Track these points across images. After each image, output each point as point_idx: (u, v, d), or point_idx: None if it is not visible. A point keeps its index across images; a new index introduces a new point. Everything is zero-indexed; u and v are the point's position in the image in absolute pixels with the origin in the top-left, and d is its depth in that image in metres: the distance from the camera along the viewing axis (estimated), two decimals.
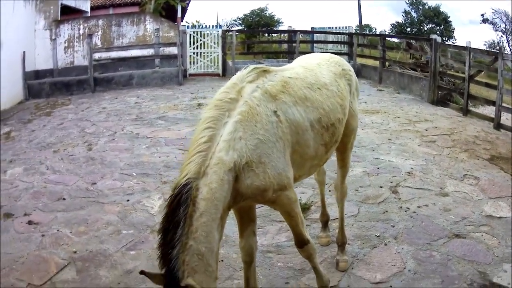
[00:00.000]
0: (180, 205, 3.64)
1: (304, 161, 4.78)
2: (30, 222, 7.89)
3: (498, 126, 14.66)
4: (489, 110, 17.14)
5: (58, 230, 7.55)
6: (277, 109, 4.38)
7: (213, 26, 26.54)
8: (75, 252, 6.82)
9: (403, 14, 62.35)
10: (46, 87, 22.10)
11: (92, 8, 34.53)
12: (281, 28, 50.96)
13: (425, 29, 59.42)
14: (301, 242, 4.89)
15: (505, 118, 15.18)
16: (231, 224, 6.92)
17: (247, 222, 4.98)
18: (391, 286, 5.90)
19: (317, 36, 33.34)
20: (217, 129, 4.00)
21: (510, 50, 52.93)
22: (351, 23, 56.26)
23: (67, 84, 22.15)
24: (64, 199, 8.94)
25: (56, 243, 7.14)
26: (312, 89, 4.89)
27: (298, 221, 4.72)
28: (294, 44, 26.67)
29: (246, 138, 4.04)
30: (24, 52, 22.08)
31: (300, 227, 4.77)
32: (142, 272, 3.55)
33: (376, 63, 23.99)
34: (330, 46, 30.42)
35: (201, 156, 3.87)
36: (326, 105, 4.95)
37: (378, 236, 7.07)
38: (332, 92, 5.15)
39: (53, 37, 25.17)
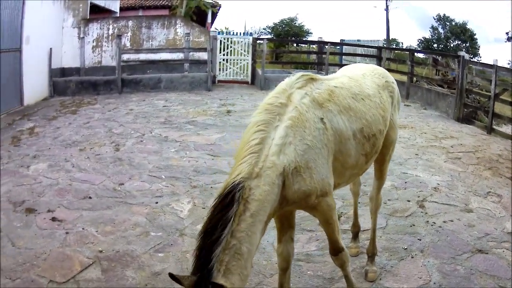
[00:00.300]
0: (231, 203, 3.65)
1: (345, 169, 4.83)
2: (54, 219, 7.68)
3: None
4: None
5: (83, 229, 7.40)
6: (324, 117, 4.44)
7: (243, 33, 26.47)
8: (100, 251, 6.69)
9: (430, 29, 63.03)
10: (72, 85, 22.01)
11: (121, 9, 34.83)
12: (310, 39, 50.97)
13: (451, 45, 60.12)
14: (336, 250, 4.90)
15: None
16: (269, 235, 7.09)
17: (286, 228, 4.98)
18: None
19: (346, 49, 33.03)
20: (268, 132, 4.07)
21: None
22: (379, 37, 56.12)
23: (94, 83, 22.04)
24: (90, 197, 8.72)
25: (81, 241, 6.99)
26: (356, 99, 4.93)
27: (335, 229, 4.74)
28: (324, 55, 26.31)
29: (295, 144, 4.09)
30: (51, 48, 22.03)
31: (336, 234, 4.78)
32: (171, 275, 3.42)
33: (404, 78, 23.60)
34: (358, 59, 29.98)
35: (254, 158, 3.92)
36: (369, 115, 4.99)
37: (405, 248, 7.12)
38: (375, 103, 5.20)
39: (81, 36, 25.16)
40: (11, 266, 6.20)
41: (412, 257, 6.85)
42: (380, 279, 6.27)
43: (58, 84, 22.07)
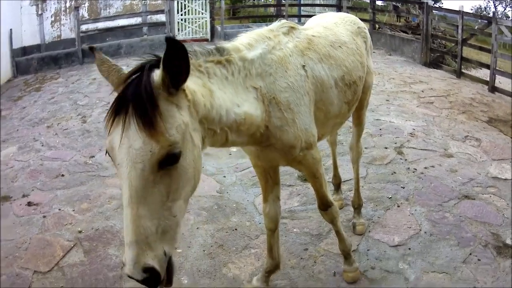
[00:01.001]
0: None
1: (328, 119, 4.65)
2: (29, 204, 7.60)
3: (493, 89, 15.03)
4: (482, 73, 17.68)
5: (60, 210, 7.29)
6: (306, 64, 4.25)
7: None
8: (80, 231, 6.56)
9: None
10: (34, 62, 21.96)
11: None
12: None
13: None
14: (325, 205, 4.81)
15: (499, 81, 15.41)
16: (240, 191, 7.38)
17: (271, 185, 4.87)
18: (410, 248, 5.90)
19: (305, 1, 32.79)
20: (254, 46, 3.87)
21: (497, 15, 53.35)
22: None
23: (55, 58, 22.00)
24: (63, 175, 8.72)
25: (59, 223, 6.86)
26: (334, 47, 4.77)
27: (322, 183, 4.63)
28: (283, 7, 26.31)
29: (276, 78, 3.87)
30: (10, 29, 21.94)
31: (324, 188, 4.68)
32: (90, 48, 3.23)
33: (366, 25, 23.43)
34: (317, 9, 29.84)
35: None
36: (348, 62, 4.86)
37: (390, 198, 7.08)
38: (352, 50, 5.06)
39: (40, 12, 24.81)
40: None
41: (398, 206, 6.86)
42: (369, 231, 6.24)
43: (20, 64, 22.00)
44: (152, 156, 2.49)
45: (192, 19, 24.62)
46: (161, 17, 23.48)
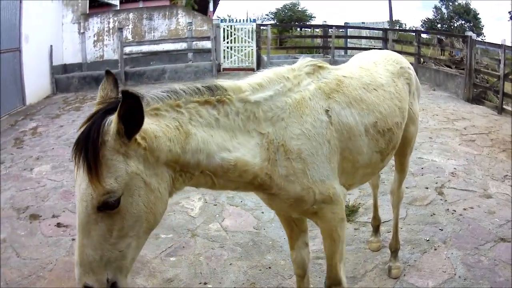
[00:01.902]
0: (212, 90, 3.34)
1: (356, 170, 4.27)
2: (59, 225, 7.39)
3: None
4: None
5: None
6: (330, 109, 3.89)
7: (246, 20, 26.00)
8: None
9: (434, 10, 62.07)
10: (75, 81, 21.94)
11: (121, 2, 34.36)
12: (313, 23, 50.66)
13: (455, 25, 59.23)
14: (333, 281, 4.24)
15: None
16: (277, 228, 7.10)
17: (297, 233, 4.66)
18: None
19: (350, 31, 32.26)
20: (268, 88, 3.62)
21: None
22: (382, 19, 55.81)
23: (96, 78, 21.76)
24: None
25: None
26: (367, 90, 4.40)
27: (338, 250, 4.12)
28: (329, 39, 26.16)
29: (288, 123, 3.58)
30: (51, 46, 21.98)
31: (337, 259, 4.14)
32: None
33: (411, 59, 22.98)
34: (364, 41, 30.07)
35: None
36: (383, 107, 4.46)
37: (428, 240, 6.86)
38: (390, 93, 4.67)
39: (82, 31, 25.06)
40: (16, 279, 5.93)
41: (435, 249, 6.60)
42: (404, 275, 6.00)
43: (60, 81, 21.99)
44: (92, 199, 2.60)
45: (238, 47, 24.38)
46: (207, 44, 23.26)
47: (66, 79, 22.18)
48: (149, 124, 2.80)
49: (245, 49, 24.41)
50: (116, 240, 2.73)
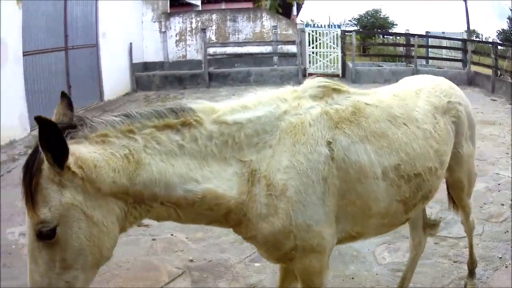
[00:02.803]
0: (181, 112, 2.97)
1: (368, 217, 3.64)
2: (140, 224, 6.76)
3: None
4: None
5: (172, 235, 7.09)
6: (334, 141, 3.31)
7: (330, 25, 25.63)
8: (191, 260, 6.33)
9: (508, 20, 59.98)
10: (156, 79, 22.10)
11: (203, 2, 35.05)
12: (394, 30, 50.04)
13: None
14: None
15: None
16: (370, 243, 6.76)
17: (289, 278, 4.07)
18: None
19: (431, 41, 31.87)
20: (255, 110, 3.21)
21: None
22: (459, 29, 54.69)
23: (179, 77, 22.05)
24: None
25: (169, 249, 6.69)
26: (394, 124, 3.73)
27: None
28: (412, 47, 25.44)
29: (276, 152, 3.13)
30: (130, 43, 22.27)
31: None
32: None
33: (488, 71, 22.72)
34: (444, 51, 29.48)
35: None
36: (412, 147, 3.77)
37: (500, 257, 6.49)
38: (424, 131, 3.93)
39: (163, 30, 25.33)
40: None
41: (506, 267, 6.25)
42: None
43: (141, 79, 22.18)
44: (32, 227, 2.49)
45: (323, 52, 23.98)
46: (292, 48, 23.04)
47: (147, 77, 22.31)
48: (91, 152, 2.60)
49: (330, 55, 23.97)
50: (61, 271, 2.57)
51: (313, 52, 23.67)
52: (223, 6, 34.91)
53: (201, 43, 22.49)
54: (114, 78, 20.36)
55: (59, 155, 2.43)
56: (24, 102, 14.20)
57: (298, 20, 37.26)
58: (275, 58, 22.77)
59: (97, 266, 2.76)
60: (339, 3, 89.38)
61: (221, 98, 17.32)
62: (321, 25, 25.95)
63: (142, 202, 2.79)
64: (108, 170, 2.62)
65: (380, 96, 3.95)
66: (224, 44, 23.83)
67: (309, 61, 23.61)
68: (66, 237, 2.52)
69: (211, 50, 22.56)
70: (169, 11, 26.08)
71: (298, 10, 42.17)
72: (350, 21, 54.68)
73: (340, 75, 23.34)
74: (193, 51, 25.30)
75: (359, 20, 53.30)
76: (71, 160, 2.46)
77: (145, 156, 2.73)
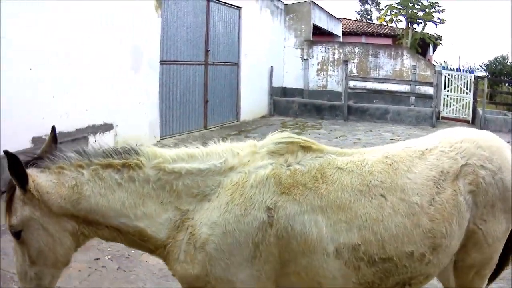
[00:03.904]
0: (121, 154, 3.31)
1: None
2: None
3: None
4: None
5: None
6: (276, 208, 3.14)
7: (465, 70, 25.53)
8: None
9: None
10: (295, 106, 22.50)
11: (343, 33, 35.23)
12: None
13: None
14: None
15: None
16: None
17: None
18: None
19: None
20: (204, 162, 3.30)
21: None
22: None
23: (318, 107, 22.35)
24: None
25: None
26: (366, 195, 3.30)
27: None
28: None
29: (211, 207, 3.18)
30: (271, 66, 22.77)
31: None
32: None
33: None
34: None
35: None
36: (383, 226, 3.27)
37: None
38: (411, 206, 3.34)
39: (305, 57, 25.63)
40: None
41: None
42: None
43: (279, 103, 22.68)
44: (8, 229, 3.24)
45: (456, 97, 23.79)
46: (428, 90, 22.84)
47: (286, 102, 22.78)
48: (48, 180, 3.11)
49: (463, 100, 23.69)
50: (30, 264, 3.20)
51: (447, 96, 23.62)
52: (363, 39, 35.20)
53: (342, 75, 22.85)
54: (252, 99, 20.91)
55: (22, 181, 3.02)
56: (157, 109, 14.78)
57: (433, 61, 37.17)
58: (412, 98, 22.87)
59: (56, 267, 3.27)
60: (468, 45, 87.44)
61: (359, 132, 18.01)
62: (456, 68, 25.81)
63: (89, 224, 3.21)
64: (56, 196, 3.10)
65: (365, 157, 3.55)
66: (364, 79, 23.74)
67: (444, 104, 23.54)
68: (28, 240, 3.14)
69: (351, 83, 22.70)
70: (312, 39, 26.28)
71: (434, 50, 41.66)
72: (480, 66, 53.50)
73: (470, 122, 23.00)
74: (333, 82, 25.45)
75: (488, 66, 52.17)
76: (31, 185, 3.03)
77: (87, 188, 3.11)
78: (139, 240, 3.26)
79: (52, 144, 3.34)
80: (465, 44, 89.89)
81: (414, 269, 3.36)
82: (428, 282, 3.62)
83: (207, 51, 17.72)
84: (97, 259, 6.52)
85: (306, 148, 3.41)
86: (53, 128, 3.42)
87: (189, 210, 3.18)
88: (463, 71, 24.57)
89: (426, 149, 3.61)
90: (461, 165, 3.50)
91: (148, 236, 3.20)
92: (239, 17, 19.96)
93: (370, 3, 61.28)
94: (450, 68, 26.04)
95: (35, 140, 10.07)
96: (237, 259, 3.10)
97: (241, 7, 19.95)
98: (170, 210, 3.19)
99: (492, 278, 4.13)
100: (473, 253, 3.62)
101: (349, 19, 43.80)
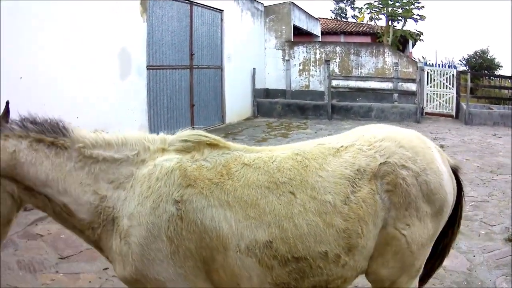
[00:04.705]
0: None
1: None
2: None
3: None
4: None
5: None
6: (183, 201, 3.14)
7: (448, 65, 25.72)
8: None
9: None
10: (278, 107, 22.64)
11: (322, 33, 35.42)
12: (500, 72, 49.12)
13: None
14: None
15: None
16: (485, 271, 7.02)
17: None
18: None
19: None
20: (121, 151, 3.38)
21: None
22: None
23: (302, 107, 22.50)
24: None
25: None
26: (273, 192, 3.23)
27: None
28: None
29: (128, 196, 3.23)
30: (254, 68, 22.87)
31: None
32: None
33: None
34: None
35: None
36: (293, 223, 3.19)
37: None
38: (322, 204, 3.24)
39: (287, 58, 25.80)
40: None
41: None
42: None
43: (262, 105, 22.82)
44: None
45: (439, 92, 24.03)
46: (411, 86, 23.13)
47: (269, 103, 22.91)
48: None
49: (447, 95, 23.98)
50: None
51: (430, 91, 23.82)
52: (342, 38, 35.56)
53: (325, 74, 22.93)
54: (236, 101, 21.05)
55: None
56: (146, 114, 14.88)
57: (412, 57, 37.46)
58: (395, 95, 23.07)
59: (5, 223, 3.33)
60: (445, 40, 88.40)
61: (345, 130, 17.83)
62: (438, 64, 25.99)
63: (25, 189, 3.26)
64: (1, 159, 3.17)
65: (274, 154, 3.47)
66: (347, 78, 24.02)
67: (427, 100, 23.74)
68: None
69: (334, 83, 22.88)
70: (292, 40, 26.50)
71: (413, 46, 42.06)
72: (460, 60, 54.09)
73: (454, 116, 23.43)
74: (316, 81, 25.73)
75: (468, 61, 52.73)
76: None
77: (21, 155, 3.21)
78: (66, 214, 3.29)
79: (5, 117, 3.37)
80: (440, 38, 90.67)
81: (330, 271, 3.30)
82: (346, 285, 3.53)
83: (191, 54, 17.87)
84: (106, 268, 6.40)
85: (212, 146, 3.43)
86: (7, 102, 3.47)
87: (107, 197, 3.23)
88: (444, 66, 24.86)
89: (342, 147, 3.52)
90: (380, 164, 3.39)
91: (71, 213, 3.26)
92: (221, 20, 20.09)
93: (345, 1, 61.52)
94: (429, 63, 26.08)
95: None
96: (158, 255, 3.11)
97: (222, 10, 20.07)
98: (88, 192, 3.23)
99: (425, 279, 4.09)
100: (392, 263, 3.48)
101: (326, 19, 44.28)
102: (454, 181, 3.71)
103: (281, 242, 3.13)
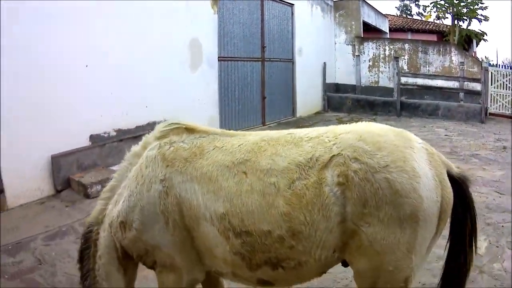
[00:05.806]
0: (85, 244, 4.08)
1: (214, 258, 3.74)
2: None
3: None
4: None
5: None
6: (166, 179, 3.70)
7: (497, 64, 25.52)
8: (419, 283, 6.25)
9: None
10: (348, 102, 22.94)
11: (389, 30, 35.38)
12: None
13: None
14: None
15: None
16: None
17: None
18: None
19: None
20: (119, 181, 4.08)
21: None
22: None
23: (371, 103, 22.73)
24: None
25: None
26: (231, 171, 3.60)
27: None
28: None
29: (126, 198, 3.86)
30: (324, 63, 23.27)
31: None
32: None
33: None
34: None
35: (101, 204, 4.12)
36: (241, 200, 3.49)
37: None
38: (268, 186, 3.47)
39: (356, 54, 26.01)
40: None
41: None
42: None
43: (332, 99, 23.17)
44: None
45: (503, 93, 23.67)
46: (476, 86, 22.92)
47: (339, 98, 23.24)
48: None
49: (508, 96, 23.48)
50: None
51: (494, 92, 23.51)
52: (409, 36, 35.42)
53: (393, 71, 23.11)
54: (307, 95, 21.41)
55: None
56: (217, 106, 15.49)
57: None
58: (461, 94, 22.82)
59: None
60: (505, 40, 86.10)
61: (413, 129, 17.66)
62: (499, 65, 26.08)
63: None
64: None
65: (245, 139, 3.79)
66: (415, 75, 24.08)
67: (491, 100, 23.47)
68: None
69: (402, 80, 23.17)
70: (362, 36, 26.54)
71: (477, 46, 41.15)
72: None
73: None
74: (385, 78, 25.67)
75: None
76: None
77: None
78: None
79: None
80: (500, 38, 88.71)
81: (277, 251, 3.46)
82: (305, 269, 3.60)
83: (263, 47, 18.35)
84: None
85: (191, 130, 3.94)
86: None
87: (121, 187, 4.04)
88: (505, 67, 24.66)
89: (307, 137, 3.64)
90: (333, 155, 3.42)
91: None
92: (292, 13, 20.52)
93: None
94: (492, 64, 26.15)
95: (93, 138, 10.75)
96: (156, 226, 3.73)
97: (293, 4, 20.49)
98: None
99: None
100: (359, 257, 3.45)
101: (392, 15, 43.89)
102: (449, 190, 3.55)
103: (232, 215, 3.47)
